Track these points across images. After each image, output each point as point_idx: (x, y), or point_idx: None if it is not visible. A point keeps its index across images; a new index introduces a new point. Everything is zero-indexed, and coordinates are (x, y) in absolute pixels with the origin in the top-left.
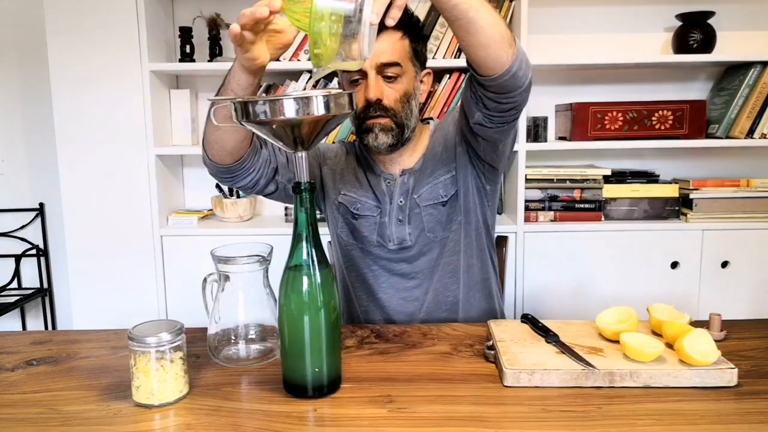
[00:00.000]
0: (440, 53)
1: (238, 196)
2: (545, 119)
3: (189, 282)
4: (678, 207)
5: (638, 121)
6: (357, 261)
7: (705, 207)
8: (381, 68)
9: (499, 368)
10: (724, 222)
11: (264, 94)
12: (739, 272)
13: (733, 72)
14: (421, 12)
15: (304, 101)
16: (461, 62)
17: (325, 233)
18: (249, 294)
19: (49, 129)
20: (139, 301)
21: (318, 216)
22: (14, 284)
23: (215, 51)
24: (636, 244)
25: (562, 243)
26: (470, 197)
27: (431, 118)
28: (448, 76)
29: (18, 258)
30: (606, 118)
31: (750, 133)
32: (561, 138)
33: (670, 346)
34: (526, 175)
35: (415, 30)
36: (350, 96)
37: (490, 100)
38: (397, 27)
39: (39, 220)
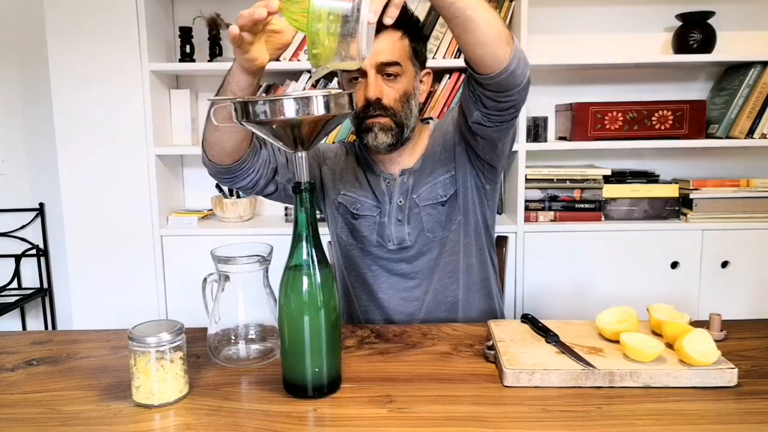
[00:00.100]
0: (440, 53)
1: (238, 196)
2: (545, 119)
3: (189, 282)
4: (678, 207)
5: (638, 121)
6: (357, 261)
7: (705, 207)
8: (381, 67)
9: (499, 368)
10: (724, 222)
11: (264, 94)
12: (739, 272)
13: (733, 72)
14: (421, 12)
15: (304, 101)
16: (461, 62)
17: (325, 233)
18: (249, 294)
19: (49, 129)
20: (139, 301)
21: (318, 216)
22: (14, 284)
23: (215, 51)
24: (636, 244)
25: (562, 243)
26: (469, 197)
27: (431, 118)
28: (448, 76)
29: (18, 258)
30: (606, 118)
31: (750, 133)
32: (561, 138)
33: (670, 346)
34: (526, 175)
35: (414, 30)
36: (350, 96)
37: (488, 99)
38: (397, 26)
39: (39, 220)
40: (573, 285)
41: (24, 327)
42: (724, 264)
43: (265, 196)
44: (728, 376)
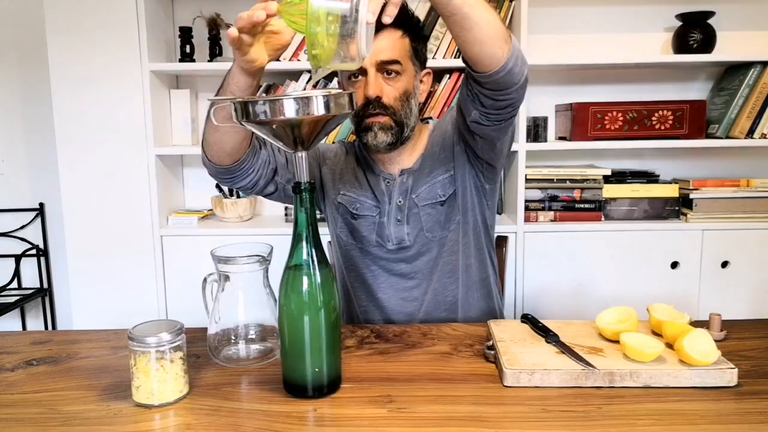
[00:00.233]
0: (440, 53)
1: (238, 196)
2: (545, 119)
3: (189, 282)
4: (678, 207)
5: (638, 121)
6: (356, 261)
7: (705, 207)
8: (381, 66)
9: (499, 368)
10: (724, 222)
11: (264, 94)
12: (739, 272)
13: (733, 72)
14: (421, 12)
15: (304, 101)
16: (461, 62)
17: (325, 233)
18: (249, 294)
19: (49, 129)
20: (139, 301)
21: (318, 216)
22: (14, 284)
23: (215, 51)
24: (636, 244)
25: (562, 243)
26: (468, 197)
27: (430, 118)
28: (448, 76)
29: (18, 258)
30: (606, 118)
31: (750, 133)
32: (561, 138)
33: (670, 346)
34: (526, 175)
35: (415, 29)
36: (350, 96)
37: (486, 98)
38: (398, 26)
39: (39, 220)
40: (573, 285)
41: (24, 327)
42: (724, 264)
43: (264, 196)
44: (728, 376)
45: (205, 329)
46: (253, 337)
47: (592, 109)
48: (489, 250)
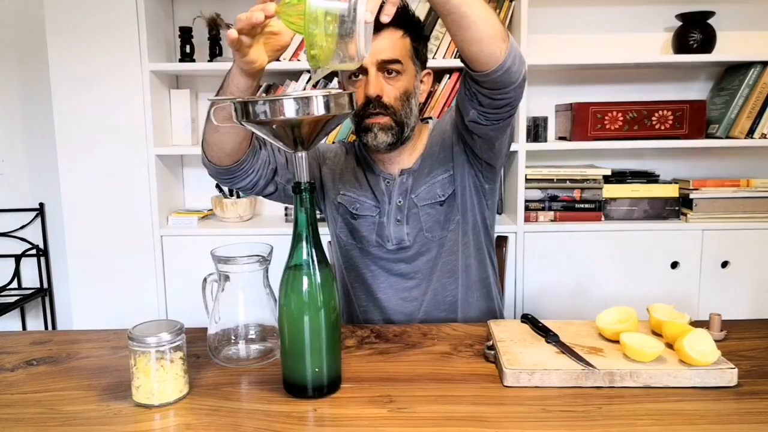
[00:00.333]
0: (440, 53)
1: (238, 196)
2: (545, 119)
3: (189, 282)
4: (678, 207)
5: (638, 121)
6: (356, 261)
7: (705, 207)
8: (382, 65)
9: (499, 368)
10: (724, 222)
11: (264, 94)
12: (739, 272)
13: (733, 72)
14: (421, 12)
15: (304, 101)
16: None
17: (325, 233)
18: (249, 294)
19: (49, 129)
20: (139, 301)
21: (318, 216)
22: (14, 284)
23: (215, 51)
24: (636, 244)
25: (562, 243)
26: (468, 196)
27: (430, 118)
28: (448, 76)
29: (18, 258)
30: (606, 118)
31: (750, 133)
32: (561, 138)
33: (670, 346)
34: (526, 175)
35: (416, 29)
36: (350, 96)
37: (484, 97)
38: (399, 25)
39: (39, 220)
40: (573, 285)
41: (24, 327)
42: (724, 264)
43: (265, 197)
44: (728, 376)
45: (205, 329)
46: (253, 337)
47: (592, 109)
48: (489, 249)
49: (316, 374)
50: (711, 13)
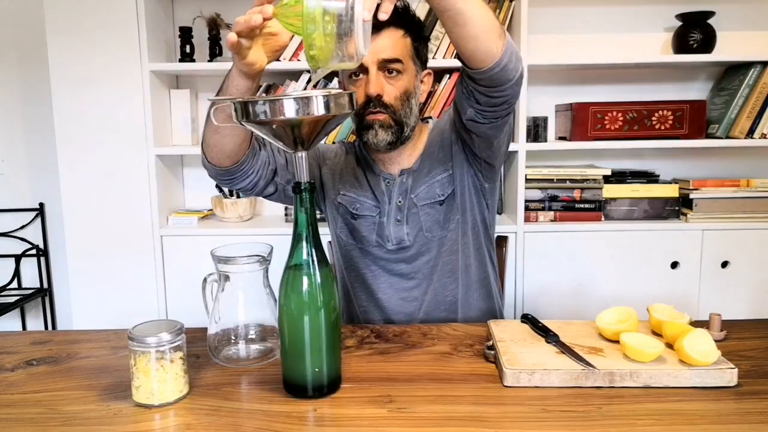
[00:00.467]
0: (440, 53)
1: (238, 196)
2: (545, 119)
3: (189, 282)
4: (678, 207)
5: (638, 121)
6: (356, 261)
7: (705, 207)
8: (382, 64)
9: (499, 368)
10: (724, 222)
11: (264, 94)
12: (739, 272)
13: (733, 72)
14: (421, 12)
15: (304, 101)
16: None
17: (325, 233)
18: (249, 294)
19: (49, 129)
20: (139, 301)
21: (318, 216)
22: (14, 284)
23: (215, 51)
24: (636, 244)
25: (562, 243)
26: (467, 196)
27: (430, 117)
28: (448, 76)
29: (18, 258)
30: (606, 118)
31: (750, 133)
32: (561, 138)
33: (670, 346)
34: (526, 175)
35: (416, 29)
36: (350, 96)
37: (481, 95)
38: (399, 25)
39: (39, 220)
40: (573, 285)
41: (24, 327)
42: (724, 264)
43: (264, 197)
44: (728, 376)
45: (205, 329)
46: (253, 337)
47: (592, 109)
48: (488, 249)
49: (316, 374)
50: (711, 13)
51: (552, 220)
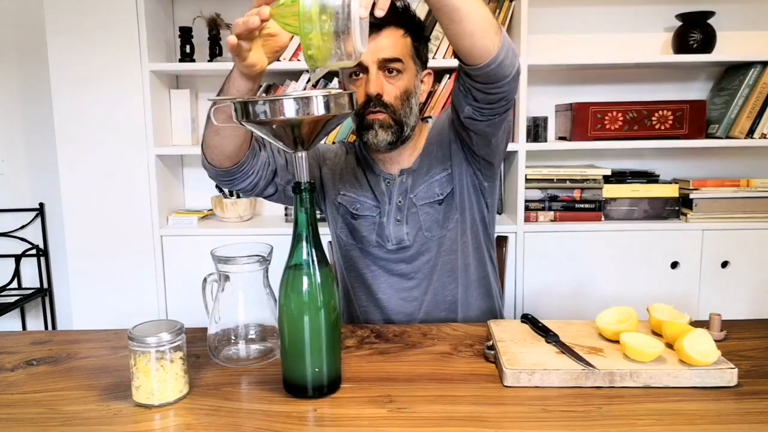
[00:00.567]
0: (440, 53)
1: (238, 197)
2: (545, 119)
3: (189, 282)
4: (678, 207)
5: (638, 121)
6: (356, 261)
7: (705, 207)
8: (383, 64)
9: (499, 368)
10: (724, 222)
11: (264, 94)
12: (739, 272)
13: (733, 72)
14: (421, 13)
15: (304, 101)
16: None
17: (325, 233)
18: (249, 294)
19: (49, 129)
20: (139, 301)
21: (318, 216)
22: (14, 284)
23: (215, 51)
24: (636, 244)
25: (562, 243)
26: (466, 195)
27: (430, 117)
28: (448, 76)
29: (18, 258)
30: (606, 118)
31: (750, 133)
32: (561, 138)
33: (670, 346)
34: (526, 175)
35: (417, 29)
36: (350, 96)
37: (478, 92)
38: (400, 25)
39: (39, 220)
40: (573, 285)
41: (24, 327)
42: (724, 264)
43: (265, 198)
44: (728, 376)
45: (205, 329)
46: (253, 337)
47: (592, 109)
48: (488, 248)
49: (316, 374)
50: (711, 13)
51: (552, 220)
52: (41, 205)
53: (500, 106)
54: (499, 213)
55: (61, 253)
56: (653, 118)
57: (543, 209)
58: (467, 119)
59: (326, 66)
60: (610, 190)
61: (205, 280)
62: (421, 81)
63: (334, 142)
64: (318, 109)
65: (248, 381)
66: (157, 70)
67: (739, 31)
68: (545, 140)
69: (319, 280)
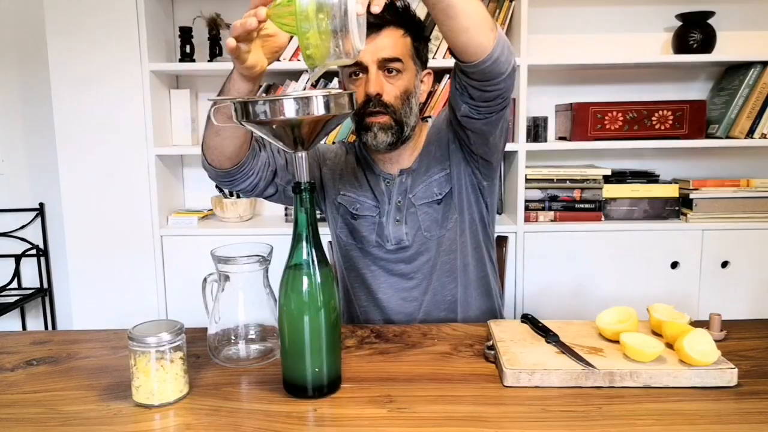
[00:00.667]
0: (440, 53)
1: (238, 197)
2: (545, 119)
3: (189, 282)
4: (678, 207)
5: (638, 121)
6: (356, 261)
7: (705, 207)
8: (383, 63)
9: (499, 368)
10: (724, 222)
11: (264, 94)
12: (739, 272)
13: (733, 72)
14: (421, 12)
15: (304, 101)
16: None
17: (325, 233)
18: (249, 294)
19: (49, 129)
20: (139, 301)
21: (318, 216)
22: (14, 284)
23: (215, 51)
24: (636, 244)
25: (562, 243)
26: (465, 194)
27: (430, 116)
28: (448, 76)
29: (18, 258)
30: (606, 118)
31: (750, 133)
32: (561, 138)
33: (670, 346)
34: (526, 175)
35: (417, 29)
36: (350, 96)
37: (474, 89)
38: (400, 25)
39: (39, 220)
40: (573, 285)
41: (24, 327)
42: (724, 264)
43: (265, 198)
44: (728, 376)
45: (205, 329)
46: (253, 337)
47: (592, 109)
48: (487, 248)
49: (316, 374)
50: (711, 13)
51: (552, 220)
52: (41, 205)
53: (497, 104)
54: (499, 213)
55: (61, 253)
56: (653, 118)
57: (543, 209)
58: (464, 117)
59: (325, 65)
60: (610, 190)
61: (205, 280)
62: (421, 81)
63: (334, 142)
64: (318, 109)
65: (248, 381)
66: (157, 70)
67: (739, 31)
68: (545, 140)
69: (319, 280)
